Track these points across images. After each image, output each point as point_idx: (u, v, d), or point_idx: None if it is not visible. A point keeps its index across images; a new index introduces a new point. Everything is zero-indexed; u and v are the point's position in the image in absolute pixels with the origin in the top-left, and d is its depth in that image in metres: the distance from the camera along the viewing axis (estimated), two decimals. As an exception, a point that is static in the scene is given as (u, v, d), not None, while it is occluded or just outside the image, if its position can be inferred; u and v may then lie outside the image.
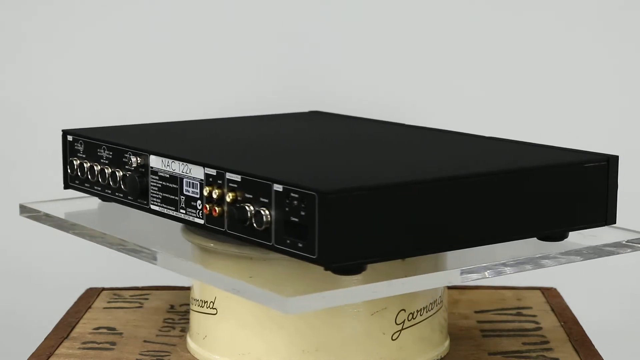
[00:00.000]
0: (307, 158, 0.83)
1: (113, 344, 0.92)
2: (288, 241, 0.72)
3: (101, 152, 0.90)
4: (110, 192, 0.89)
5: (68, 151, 0.94)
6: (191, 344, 0.89)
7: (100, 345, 0.92)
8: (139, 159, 0.86)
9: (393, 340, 0.83)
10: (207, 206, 0.78)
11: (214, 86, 1.33)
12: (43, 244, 1.35)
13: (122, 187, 0.87)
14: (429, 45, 1.32)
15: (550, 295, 1.05)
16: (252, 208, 0.74)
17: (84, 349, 0.91)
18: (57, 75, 1.33)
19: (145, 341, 0.93)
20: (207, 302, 0.86)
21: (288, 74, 1.32)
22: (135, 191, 0.85)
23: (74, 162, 0.92)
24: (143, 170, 0.85)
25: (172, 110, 1.27)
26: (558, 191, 0.79)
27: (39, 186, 1.34)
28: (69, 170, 0.94)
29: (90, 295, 1.05)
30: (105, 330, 0.95)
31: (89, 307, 1.02)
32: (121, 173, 0.87)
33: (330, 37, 1.32)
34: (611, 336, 1.29)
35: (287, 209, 0.71)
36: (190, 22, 1.32)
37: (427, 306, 0.85)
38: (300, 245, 0.71)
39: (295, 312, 0.71)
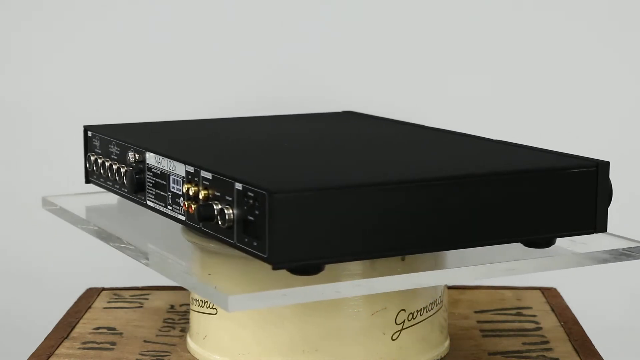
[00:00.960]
0: (290, 158, 0.83)
1: (113, 344, 0.92)
2: (246, 240, 0.72)
3: (112, 149, 0.91)
4: (118, 187, 0.90)
5: (88, 147, 0.96)
6: (191, 344, 0.89)
7: (100, 345, 0.92)
8: (137, 155, 0.87)
9: (393, 340, 0.83)
10: (186, 203, 0.78)
11: (214, 86, 1.33)
12: (43, 244, 1.35)
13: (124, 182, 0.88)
14: (428, 46, 1.32)
15: (550, 295, 1.05)
16: (219, 206, 0.74)
17: (84, 349, 0.91)
18: (55, 75, 1.33)
19: (145, 341, 0.93)
20: (207, 302, 0.86)
21: (287, 74, 1.32)
22: (132, 187, 0.87)
23: (91, 157, 0.94)
24: (141, 166, 0.86)
25: (172, 110, 1.27)
26: (542, 196, 0.77)
27: (39, 186, 1.34)
28: (87, 166, 0.96)
29: (90, 295, 1.06)
30: (105, 330, 0.95)
31: (89, 307, 1.02)
32: (124, 169, 0.88)
33: (330, 37, 1.32)
34: (611, 336, 1.29)
35: (245, 207, 0.72)
36: (190, 22, 1.32)
37: (427, 306, 0.85)
38: (255, 244, 0.71)
39: (236, 310, 0.71)
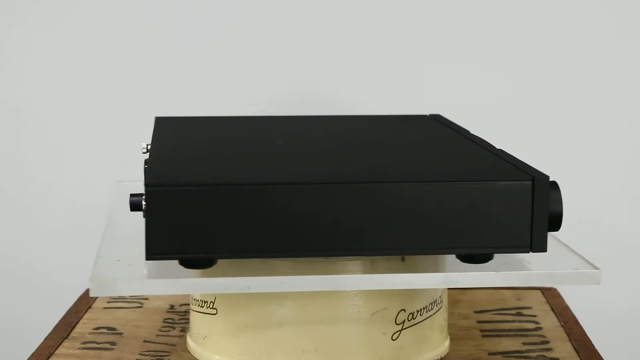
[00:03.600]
0: (251, 158, 0.83)
1: (113, 344, 0.92)
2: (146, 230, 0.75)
3: None
4: None
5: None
6: (191, 344, 0.89)
7: (100, 345, 0.92)
8: (149, 146, 0.90)
9: (393, 340, 0.83)
10: None
11: (218, 87, 1.32)
12: (43, 244, 1.35)
13: None
14: (429, 48, 1.32)
15: (550, 295, 1.05)
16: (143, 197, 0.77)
17: (84, 349, 0.91)
18: (56, 75, 1.33)
19: (145, 341, 0.93)
20: (207, 302, 0.86)
21: (294, 74, 1.32)
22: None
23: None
24: None
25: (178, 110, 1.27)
26: (470, 208, 0.73)
27: (39, 186, 1.34)
28: None
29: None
30: (105, 330, 0.96)
31: (89, 307, 1.02)
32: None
33: (340, 38, 1.32)
34: (611, 336, 1.29)
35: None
36: (209, 22, 1.32)
37: (427, 306, 0.85)
38: (145, 234, 0.73)
39: (96, 295, 0.75)
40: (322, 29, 1.31)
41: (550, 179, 0.75)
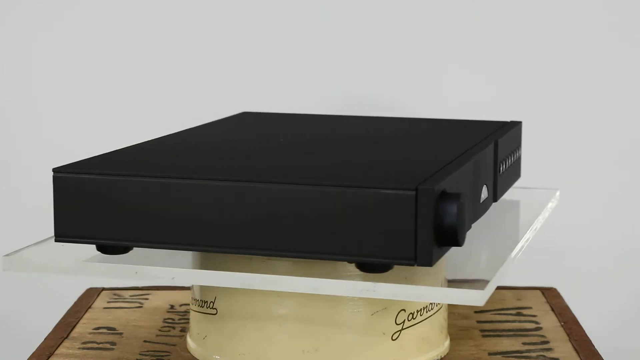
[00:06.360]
0: (225, 157, 0.84)
1: (113, 344, 0.92)
2: None
3: None
4: None
5: None
6: (191, 344, 0.89)
7: (100, 345, 0.92)
8: None
9: (393, 340, 0.83)
10: None
11: (218, 87, 1.33)
12: (44, 243, 1.35)
13: None
14: (434, 49, 1.32)
15: (550, 295, 1.05)
16: None
17: (84, 349, 0.91)
18: (55, 74, 1.33)
19: (145, 341, 0.93)
20: (207, 302, 0.86)
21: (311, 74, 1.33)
22: None
23: None
24: None
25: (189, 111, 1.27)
26: (354, 215, 0.71)
27: (38, 186, 1.34)
28: None
29: (90, 295, 1.06)
30: (105, 330, 0.96)
31: (89, 307, 1.02)
32: None
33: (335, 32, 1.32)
34: (611, 336, 1.29)
35: None
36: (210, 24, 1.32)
37: (427, 306, 0.85)
38: None
39: (5, 269, 0.81)
40: (322, 28, 1.32)
41: (455, 191, 0.72)
